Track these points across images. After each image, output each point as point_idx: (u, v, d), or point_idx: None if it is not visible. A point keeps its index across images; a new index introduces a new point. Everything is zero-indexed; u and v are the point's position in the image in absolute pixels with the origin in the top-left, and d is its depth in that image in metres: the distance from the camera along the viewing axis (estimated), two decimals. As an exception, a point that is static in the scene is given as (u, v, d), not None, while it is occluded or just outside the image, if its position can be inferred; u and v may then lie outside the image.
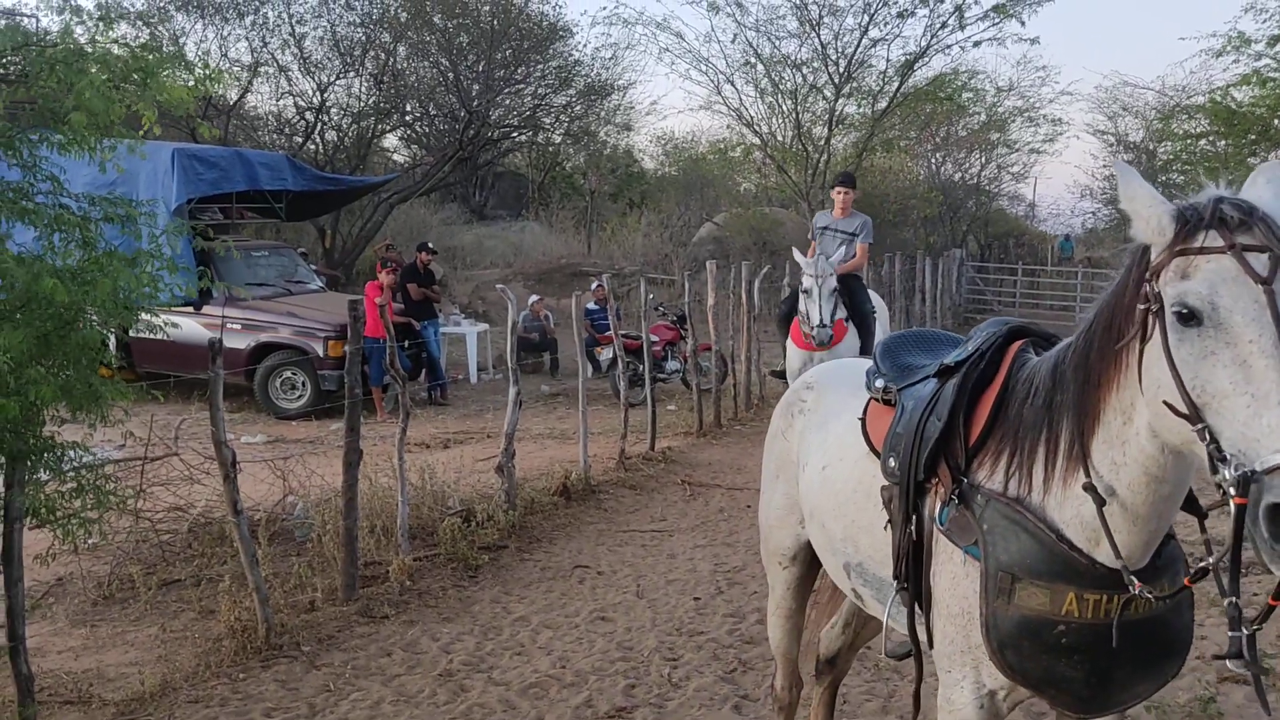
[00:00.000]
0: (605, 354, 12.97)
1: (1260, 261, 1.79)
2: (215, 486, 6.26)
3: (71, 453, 3.71)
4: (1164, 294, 1.88)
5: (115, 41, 3.82)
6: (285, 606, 5.31)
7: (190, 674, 4.65)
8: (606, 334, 12.92)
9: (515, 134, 25.67)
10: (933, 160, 28.69)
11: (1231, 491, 1.72)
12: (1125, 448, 2.06)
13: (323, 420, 11.17)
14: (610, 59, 24.34)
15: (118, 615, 5.45)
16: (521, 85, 23.58)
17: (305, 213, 16.18)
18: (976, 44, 19.76)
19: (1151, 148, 27.26)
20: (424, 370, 13.09)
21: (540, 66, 23.34)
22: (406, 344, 12.24)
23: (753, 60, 20.00)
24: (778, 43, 19.94)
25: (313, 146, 21.18)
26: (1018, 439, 2.28)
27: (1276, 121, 20.88)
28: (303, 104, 21.42)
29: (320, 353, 11.67)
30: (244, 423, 11.30)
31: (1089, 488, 2.09)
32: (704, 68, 21.33)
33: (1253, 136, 20.61)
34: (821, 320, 8.05)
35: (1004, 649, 2.22)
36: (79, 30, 3.85)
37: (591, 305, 14.11)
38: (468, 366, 14.82)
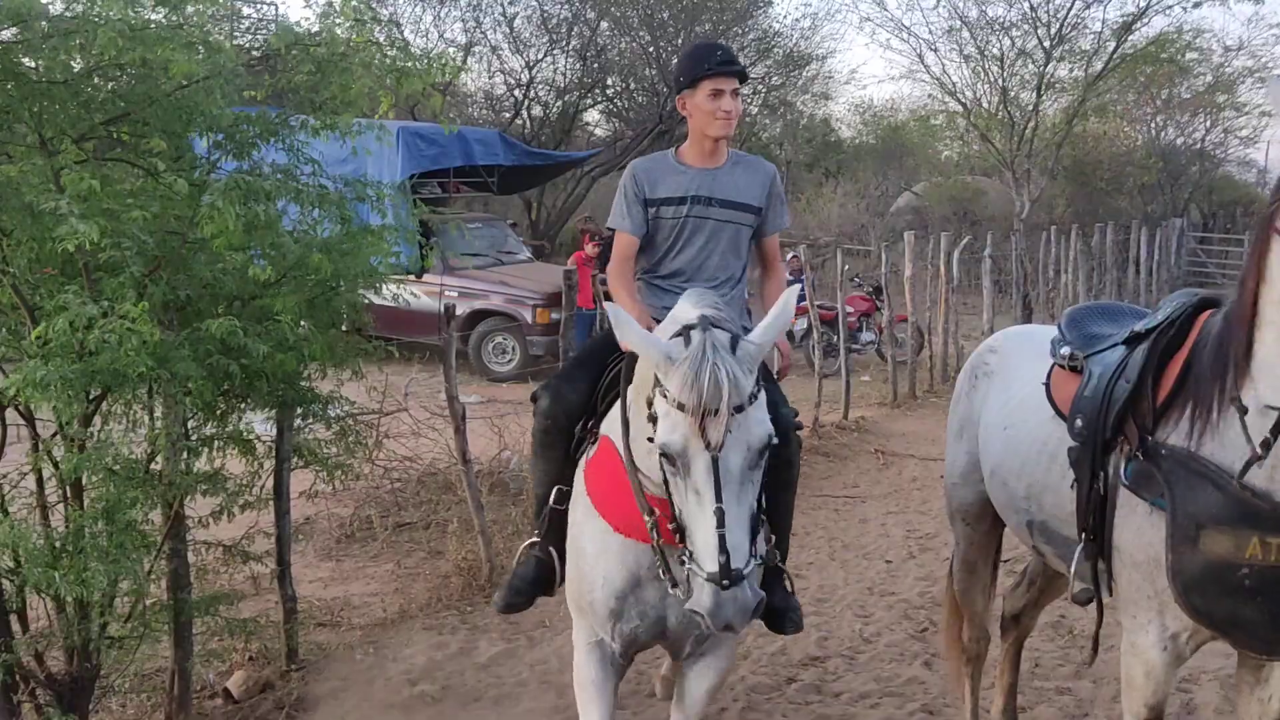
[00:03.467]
0: (800, 324, 13.10)
1: None
2: (439, 440, 6.87)
3: (333, 403, 4.24)
4: None
5: (371, 42, 4.28)
6: (505, 550, 5.80)
7: (424, 605, 5.21)
8: (801, 304, 13.05)
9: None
10: (1152, 125, 27.19)
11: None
12: None
13: (530, 383, 11.80)
14: (810, 28, 24.16)
15: (358, 552, 6.10)
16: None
17: (515, 186, 16.96)
18: (1198, 4, 18.64)
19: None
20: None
21: (740, 39, 23.42)
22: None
23: (957, 26, 19.51)
24: (984, 7, 19.37)
25: (519, 122, 22.02)
26: (1197, 389, 2.42)
27: None
28: (511, 81, 22.29)
29: (530, 319, 12.32)
30: (460, 384, 12.01)
31: (1271, 407, 2.22)
32: (905, 35, 20.95)
33: None
34: None
35: (1189, 593, 2.37)
36: (339, 29, 4.34)
37: (787, 276, 14.22)
38: (666, 333, 15.22)
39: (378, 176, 5.46)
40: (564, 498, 3.10)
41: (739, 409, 2.26)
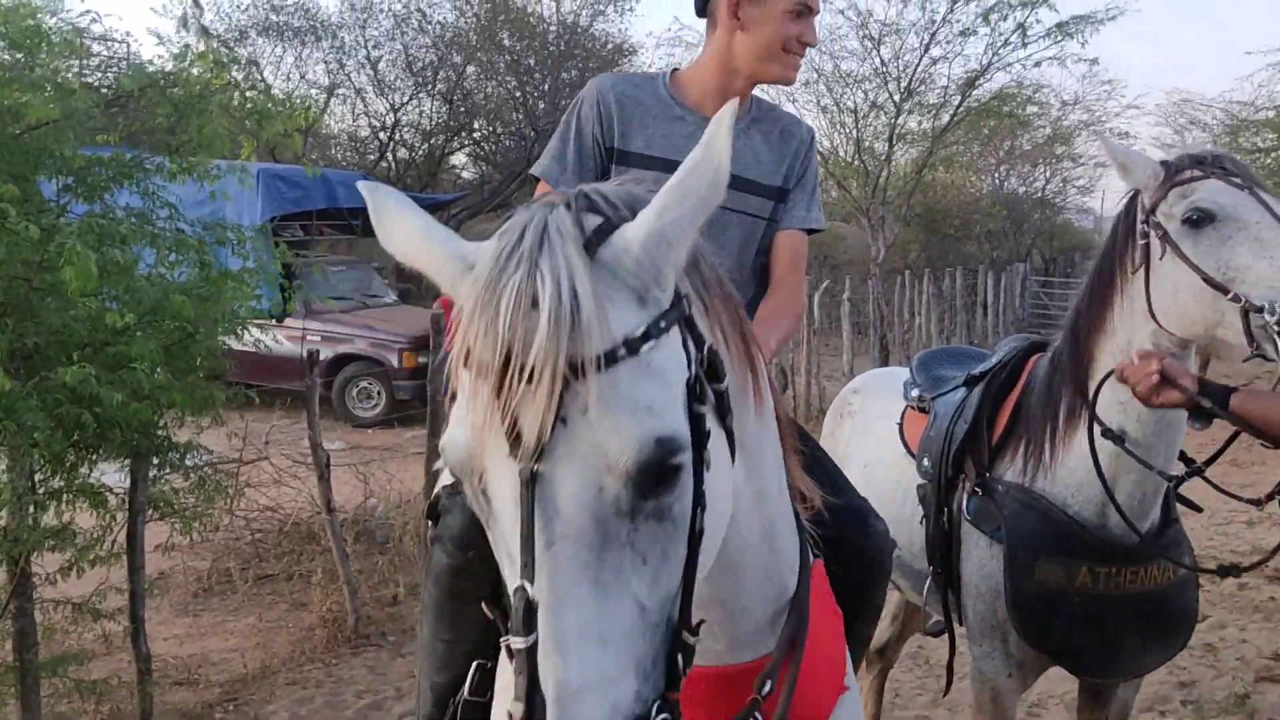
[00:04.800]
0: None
1: (1234, 181, 2.27)
2: (301, 489, 6.72)
3: (190, 452, 4.13)
4: (1172, 215, 2.31)
5: (230, 84, 4.24)
6: (371, 600, 5.71)
7: (287, 659, 5.07)
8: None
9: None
10: (996, 175, 28.62)
11: (1276, 326, 2.09)
12: None
13: (397, 429, 11.64)
14: (673, 76, 24.68)
15: (217, 606, 5.90)
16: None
17: (379, 230, 16.77)
18: (1037, 64, 19.79)
19: (1220, 160, 26.90)
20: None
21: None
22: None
23: (814, 79, 20.23)
24: (838, 61, 20.15)
25: (385, 164, 21.84)
26: (1029, 428, 2.61)
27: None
28: (376, 123, 22.11)
29: (396, 364, 12.17)
30: (323, 430, 11.78)
31: (1109, 434, 2.40)
32: (766, 86, 21.59)
33: (1325, 149, 20.37)
34: None
35: (1026, 621, 2.53)
36: (195, 70, 4.29)
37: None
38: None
39: (237, 219, 5.39)
40: (488, 682, 1.89)
41: (580, 370, 1.06)
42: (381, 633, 5.40)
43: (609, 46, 23.19)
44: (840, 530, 1.67)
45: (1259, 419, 2.15)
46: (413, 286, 19.45)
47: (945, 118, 20.53)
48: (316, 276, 12.41)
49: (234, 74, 4.56)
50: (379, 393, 12.38)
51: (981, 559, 2.64)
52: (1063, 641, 2.55)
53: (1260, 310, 2.11)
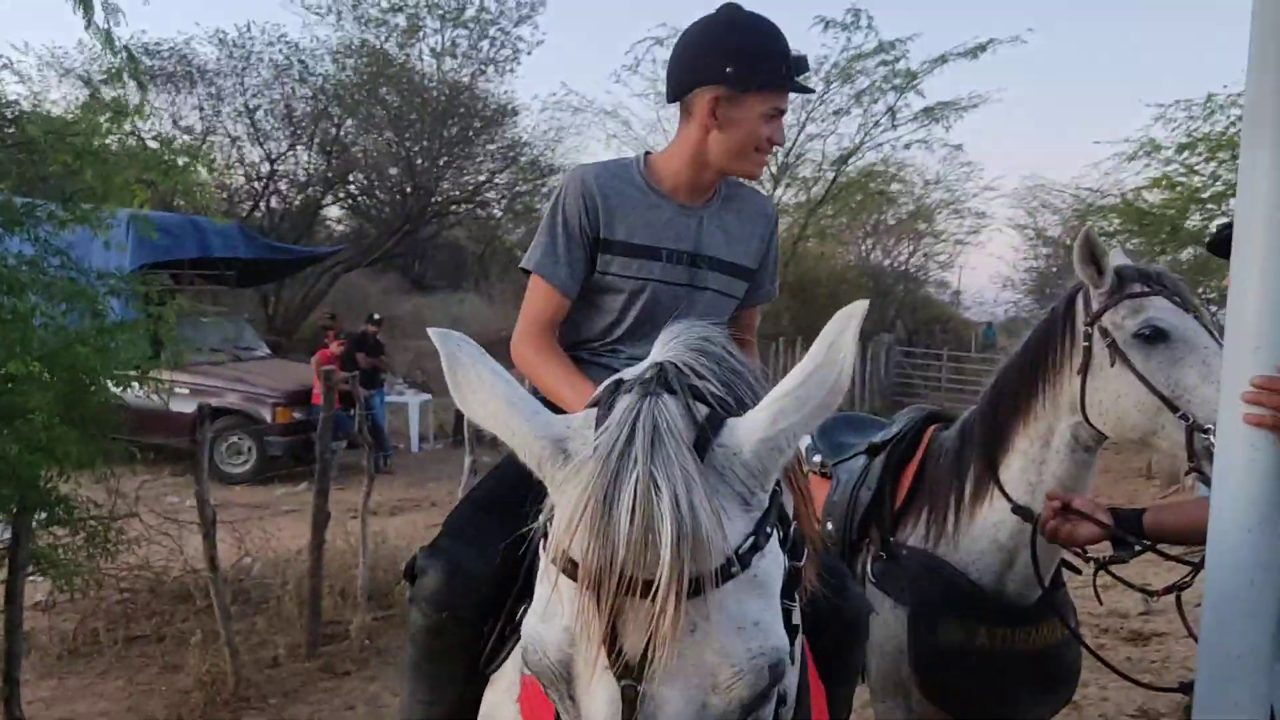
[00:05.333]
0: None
1: (1178, 301, 2.47)
2: (172, 546, 6.50)
3: (76, 506, 4.00)
4: (1122, 326, 2.47)
5: (132, 134, 4.20)
6: (249, 662, 5.55)
7: (162, 723, 4.88)
8: (549, 407, 13.32)
9: (459, 208, 26.19)
10: (863, 247, 29.77)
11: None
12: (1043, 468, 2.58)
13: (268, 485, 11.34)
14: (554, 139, 25.04)
15: (84, 669, 5.63)
16: (467, 162, 24.17)
17: (253, 280, 16.44)
18: (907, 146, 20.80)
19: (1068, 243, 28.63)
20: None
21: (487, 145, 23.96)
22: (353, 412, 12.50)
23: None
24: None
25: (258, 214, 21.43)
26: (933, 497, 2.77)
27: (1185, 222, 22.14)
28: (251, 173, 21.72)
29: (269, 418, 11.87)
30: (188, 486, 11.39)
31: (1019, 510, 2.57)
32: (649, 156, 22.04)
33: (1163, 235, 21.85)
34: None
35: (928, 678, 2.67)
36: (101, 119, 4.24)
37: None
38: (409, 436, 15.07)
39: (104, 266, 5.23)
40: None
41: (696, 588, 1.04)
42: (262, 695, 5.24)
43: (493, 107, 23.35)
44: (818, 593, 1.67)
45: (1173, 533, 2.35)
46: (283, 340, 19.09)
47: (818, 189, 21.31)
48: (183, 327, 12.10)
49: (135, 124, 4.50)
50: (249, 449, 12.05)
51: (885, 620, 2.78)
52: (962, 698, 2.71)
53: (1206, 431, 2.29)
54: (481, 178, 25.16)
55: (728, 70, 2.11)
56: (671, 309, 2.21)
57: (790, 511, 1.29)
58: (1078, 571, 2.77)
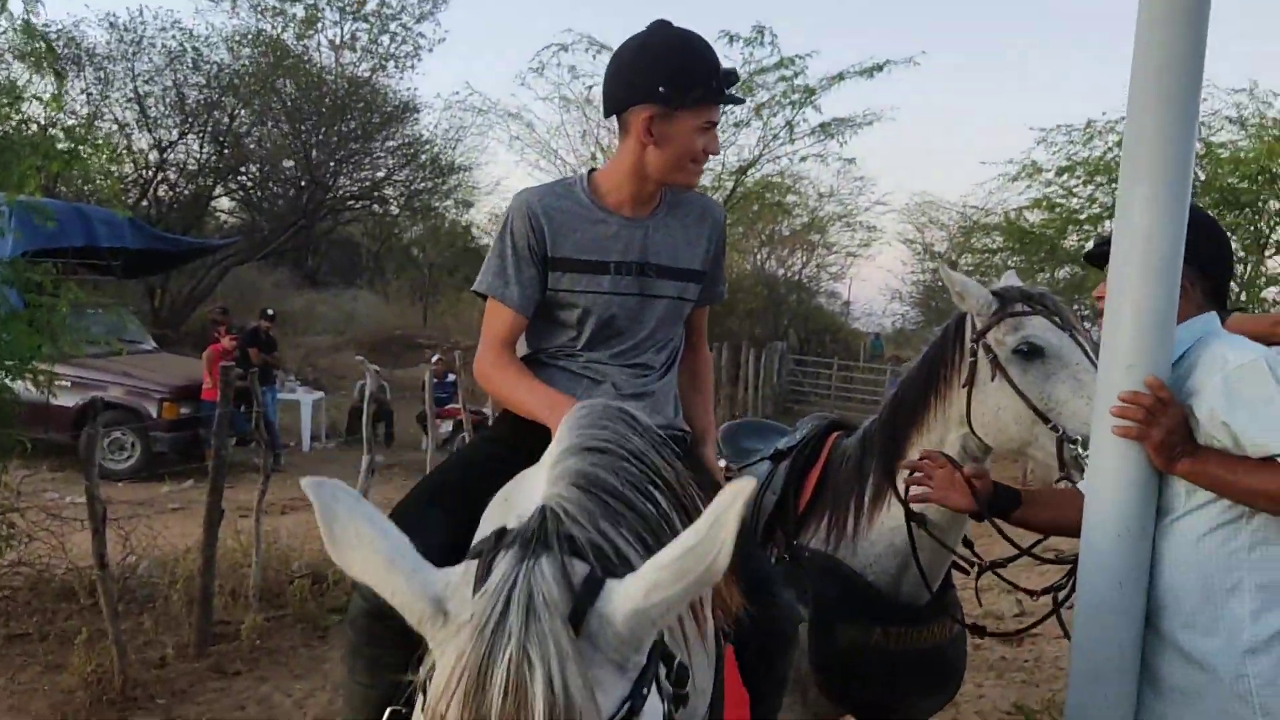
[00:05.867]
0: (445, 426, 13.23)
1: (1056, 321, 2.62)
2: (54, 543, 6.31)
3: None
4: (1003, 343, 2.63)
5: (51, 124, 4.10)
6: (137, 661, 5.43)
7: (46, 723, 4.75)
8: (447, 407, 13.23)
9: (356, 204, 25.79)
10: (759, 256, 30.22)
11: (1086, 457, 2.39)
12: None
13: (153, 482, 11.02)
14: (455, 139, 24.85)
15: (-42, 669, 5.44)
16: (365, 158, 23.84)
17: (140, 271, 15.92)
18: (804, 159, 21.22)
19: (954, 258, 29.58)
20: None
21: (386, 141, 23.67)
22: (243, 409, 12.24)
23: (599, 156, 20.85)
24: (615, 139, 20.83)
25: (145, 204, 20.77)
26: (834, 502, 2.91)
27: (1063, 242, 23.06)
28: (139, 161, 21.03)
29: (154, 414, 11.54)
30: (69, 482, 11.02)
31: (913, 516, 2.71)
32: (554, 159, 22.07)
33: (1042, 254, 22.73)
34: None
35: (827, 676, 2.80)
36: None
37: (449, 378, 14.44)
38: (300, 434, 14.80)
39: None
40: None
41: None
42: (150, 695, 5.14)
43: (393, 103, 23.08)
44: (746, 602, 1.71)
45: (1044, 525, 2.52)
46: (170, 333, 18.54)
47: (718, 200, 21.57)
48: (66, 318, 11.69)
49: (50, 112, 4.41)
50: (133, 444, 11.70)
51: None
52: (858, 695, 2.84)
53: (1074, 442, 2.45)
54: (380, 174, 24.86)
55: (660, 89, 2.19)
56: (627, 320, 2.37)
57: (674, 643, 1.32)
58: (966, 573, 2.93)
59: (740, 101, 2.47)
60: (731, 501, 1.10)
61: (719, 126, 2.38)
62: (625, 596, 1.12)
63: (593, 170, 2.41)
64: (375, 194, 25.39)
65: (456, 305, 25.96)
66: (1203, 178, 18.61)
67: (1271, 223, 19.29)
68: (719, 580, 1.11)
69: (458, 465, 2.35)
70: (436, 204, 28.06)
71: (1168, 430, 2.03)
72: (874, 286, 66.81)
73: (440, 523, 2.00)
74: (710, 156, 2.35)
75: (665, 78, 2.19)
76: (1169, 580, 2.10)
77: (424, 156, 24.64)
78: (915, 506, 2.70)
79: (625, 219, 2.33)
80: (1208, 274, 2.24)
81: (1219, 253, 2.31)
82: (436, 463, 10.16)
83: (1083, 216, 21.93)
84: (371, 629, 1.99)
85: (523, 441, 2.07)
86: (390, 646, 1.95)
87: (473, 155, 27.12)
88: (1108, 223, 22.12)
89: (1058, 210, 22.09)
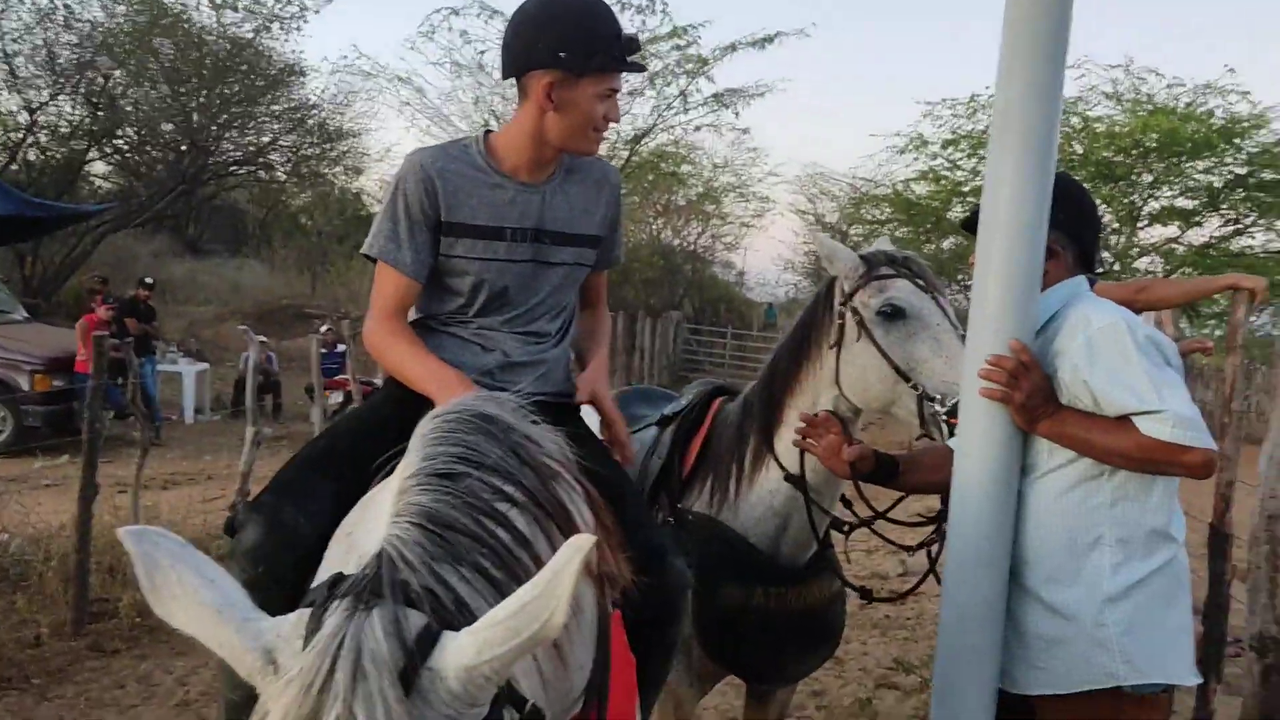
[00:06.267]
0: (334, 397, 12.97)
1: (919, 284, 2.69)
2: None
3: None
4: (868, 305, 2.68)
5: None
6: (10, 641, 5.23)
7: (-92, 708, 4.56)
8: (336, 378, 12.98)
9: (240, 169, 25.00)
10: (654, 226, 30.32)
11: (944, 415, 2.48)
12: None
13: (25, 457, 10.59)
14: (343, 104, 24.25)
15: None
16: (249, 122, 23.11)
17: (9, 238, 15.21)
18: (698, 128, 21.33)
19: (844, 229, 30.12)
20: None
21: (271, 105, 22.97)
22: (120, 381, 11.83)
23: (492, 122, 20.60)
24: (513, 105, 20.63)
25: (15, 168, 19.80)
26: (717, 465, 2.95)
27: (947, 213, 23.67)
28: (8, 123, 20.02)
29: (25, 386, 11.08)
30: (-70, 458, 10.54)
31: (790, 478, 2.76)
32: (446, 125, 21.74)
33: (929, 225, 23.37)
34: None
35: (709, 637, 2.85)
36: None
37: (339, 347, 14.15)
38: (183, 406, 14.38)
39: None
40: None
41: None
42: (25, 675, 4.96)
43: (278, 66, 22.38)
44: (637, 571, 1.74)
45: (924, 486, 2.60)
46: (43, 303, 17.77)
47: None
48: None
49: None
50: (4, 418, 11.22)
51: None
52: (740, 654, 2.90)
53: (934, 400, 2.53)
54: (265, 139, 24.10)
55: (561, 55, 2.14)
56: (521, 287, 2.31)
57: (527, 683, 1.36)
58: (844, 532, 3.00)
59: (642, 69, 2.42)
60: (569, 558, 1.08)
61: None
62: (457, 652, 1.10)
63: (489, 133, 2.35)
64: (260, 159, 24.64)
65: (346, 274, 25.44)
66: (1080, 151, 19.35)
67: (1145, 195, 20.18)
68: (557, 633, 1.09)
69: (346, 432, 2.27)
70: (325, 170, 27.36)
71: (1028, 392, 2.11)
72: (767, 257, 67.70)
73: (328, 492, 1.97)
74: (610, 124, 2.31)
75: (567, 43, 2.15)
76: (1033, 535, 2.19)
77: (311, 121, 23.99)
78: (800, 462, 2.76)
79: (522, 184, 2.29)
80: (1077, 239, 2.33)
81: (1088, 218, 2.40)
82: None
83: (967, 189, 22.57)
84: (254, 598, 1.93)
85: (412, 408, 2.03)
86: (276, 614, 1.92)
87: (362, 121, 26.55)
88: (990, 195, 22.81)
89: (943, 182, 22.70)
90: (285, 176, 27.01)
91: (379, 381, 11.14)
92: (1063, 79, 2.16)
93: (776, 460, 2.82)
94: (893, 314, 2.65)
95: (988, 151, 2.22)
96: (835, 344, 2.74)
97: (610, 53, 2.19)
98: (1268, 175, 19.21)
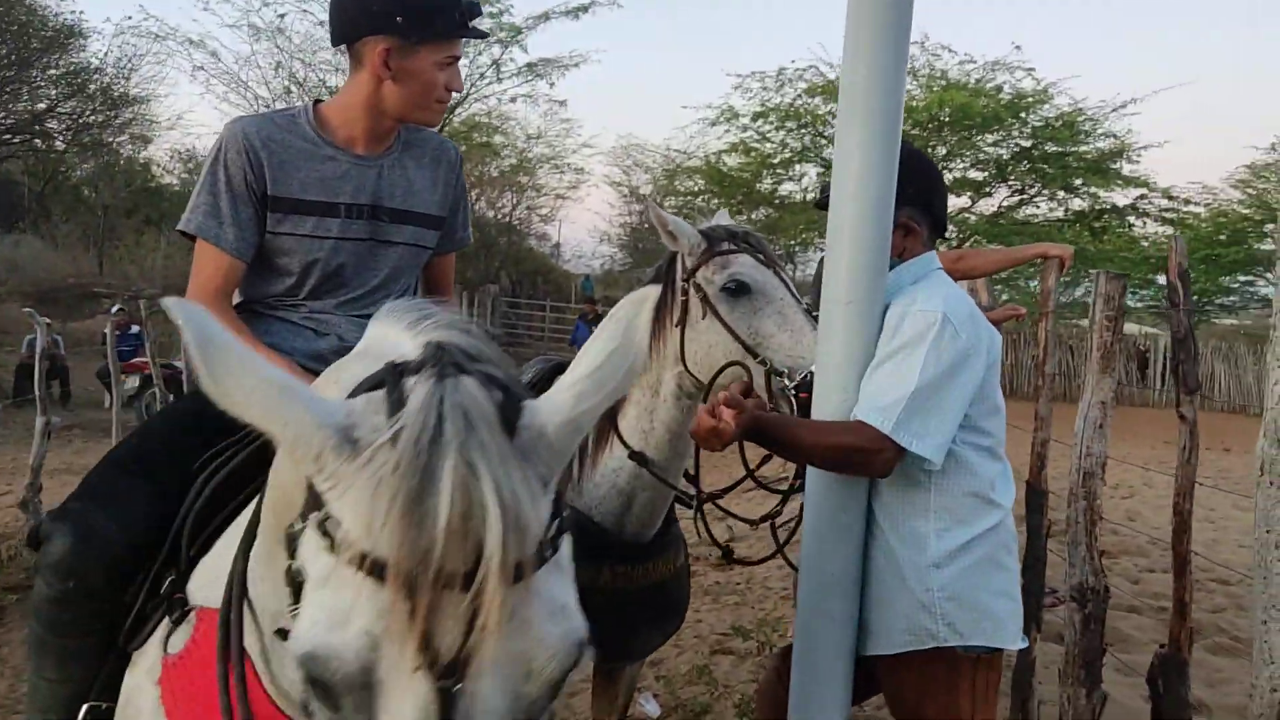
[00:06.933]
0: (130, 383, 12.22)
1: (760, 258, 2.68)
2: None
3: None
4: (712, 281, 2.64)
5: None
6: None
7: None
8: (130, 361, 12.22)
9: (14, 138, 23.15)
10: (469, 197, 29.89)
11: (792, 389, 2.47)
12: (654, 416, 2.74)
13: None
14: (129, 68, 22.77)
15: None
16: (23, 87, 21.41)
17: None
18: (513, 99, 21.09)
19: (659, 200, 30.49)
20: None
21: (47, 70, 21.34)
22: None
23: (294, 90, 19.76)
24: (323, 75, 19.87)
25: None
26: None
27: (758, 185, 24.29)
28: None
29: None
30: None
31: (634, 455, 2.72)
32: (244, 91, 20.68)
33: (740, 196, 23.93)
34: None
35: None
36: None
37: (141, 329, 13.35)
38: (-44, 396, 13.26)
39: None
40: None
41: (517, 575, 0.99)
42: None
43: (54, 27, 20.80)
44: None
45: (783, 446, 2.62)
46: None
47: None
48: None
49: None
50: None
51: None
52: (591, 634, 2.85)
53: (781, 374, 2.52)
54: (41, 106, 22.39)
55: (398, 20, 2.01)
56: (357, 267, 2.15)
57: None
58: (689, 506, 2.99)
59: (484, 35, 2.30)
60: (639, 307, 1.11)
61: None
62: (553, 408, 1.08)
63: (318, 102, 2.18)
64: (36, 127, 22.87)
65: (137, 250, 24.00)
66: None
67: (940, 167, 21.28)
68: (635, 380, 1.12)
69: (160, 429, 2.05)
70: (109, 139, 25.68)
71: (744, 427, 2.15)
72: (583, 229, 67.78)
73: (142, 495, 1.79)
74: (453, 94, 2.17)
75: (404, 6, 2.01)
76: (882, 501, 2.24)
77: (93, 87, 22.43)
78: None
79: (356, 157, 2.13)
80: (929, 210, 2.38)
81: (935, 187, 2.46)
82: (124, 422, 9.39)
83: (776, 161, 23.25)
84: (59, 618, 1.75)
85: None
86: (81, 635, 1.75)
87: (150, 86, 24.97)
88: (798, 166, 23.52)
89: (753, 154, 23.29)
90: (65, 146, 25.18)
91: (180, 364, 10.58)
92: (907, 52, 2.19)
93: (620, 438, 2.79)
94: (737, 290, 2.64)
95: (836, 127, 2.23)
96: (680, 322, 2.72)
97: (450, 17, 2.07)
98: (1050, 148, 20.54)
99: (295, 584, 1.03)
